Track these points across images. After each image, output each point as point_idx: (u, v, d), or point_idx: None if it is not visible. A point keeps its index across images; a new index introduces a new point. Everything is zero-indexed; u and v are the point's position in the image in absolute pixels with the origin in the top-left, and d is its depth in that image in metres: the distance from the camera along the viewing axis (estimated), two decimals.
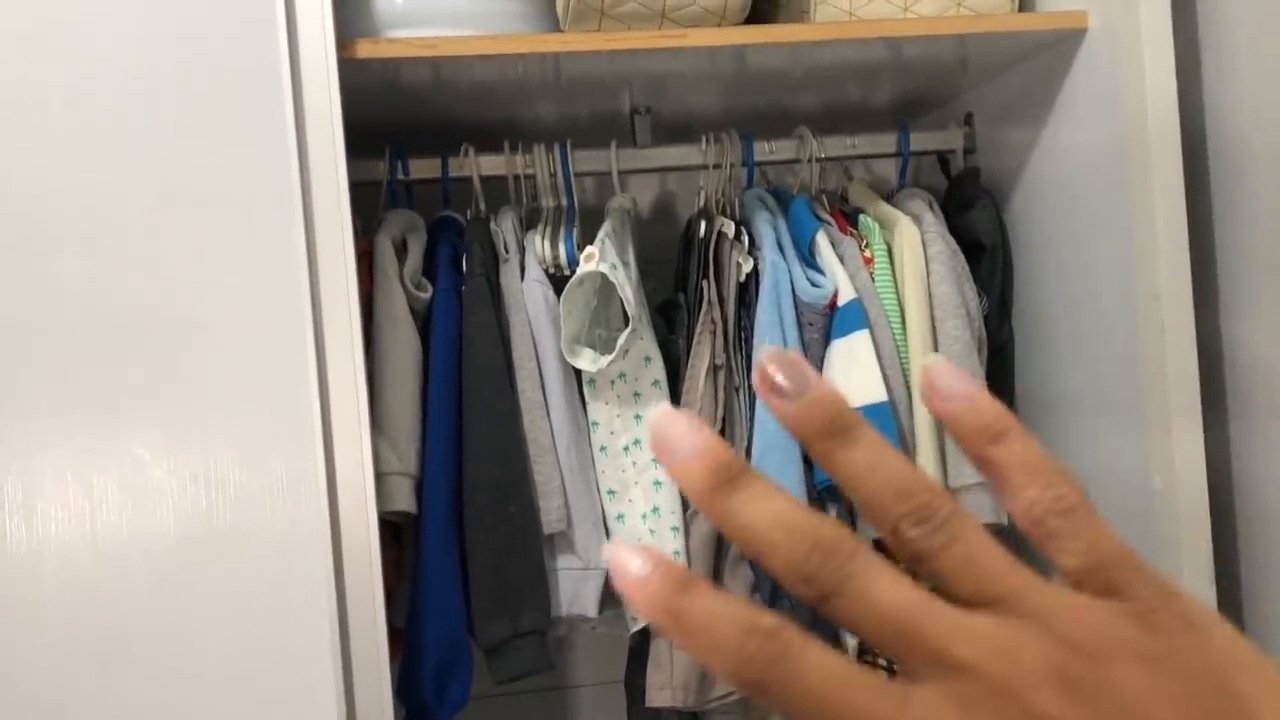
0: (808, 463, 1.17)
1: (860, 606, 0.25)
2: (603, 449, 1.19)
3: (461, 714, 1.49)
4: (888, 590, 0.25)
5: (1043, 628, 0.25)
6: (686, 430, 0.26)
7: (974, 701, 0.24)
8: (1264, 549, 1.07)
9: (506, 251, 1.21)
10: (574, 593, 1.16)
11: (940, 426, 1.18)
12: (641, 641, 1.26)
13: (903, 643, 0.25)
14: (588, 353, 1.14)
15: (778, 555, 0.25)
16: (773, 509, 0.26)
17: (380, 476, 1.04)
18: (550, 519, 1.13)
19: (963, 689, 0.24)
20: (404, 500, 1.08)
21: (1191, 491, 1.04)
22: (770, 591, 1.19)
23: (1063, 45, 1.16)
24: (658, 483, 1.18)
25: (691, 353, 1.20)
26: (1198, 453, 1.04)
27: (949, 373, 0.28)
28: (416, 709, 1.10)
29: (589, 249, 1.13)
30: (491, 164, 1.26)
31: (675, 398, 1.20)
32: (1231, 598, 1.11)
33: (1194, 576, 1.03)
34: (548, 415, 1.16)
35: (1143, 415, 1.07)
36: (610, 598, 1.21)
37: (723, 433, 1.20)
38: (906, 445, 1.16)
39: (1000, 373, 1.30)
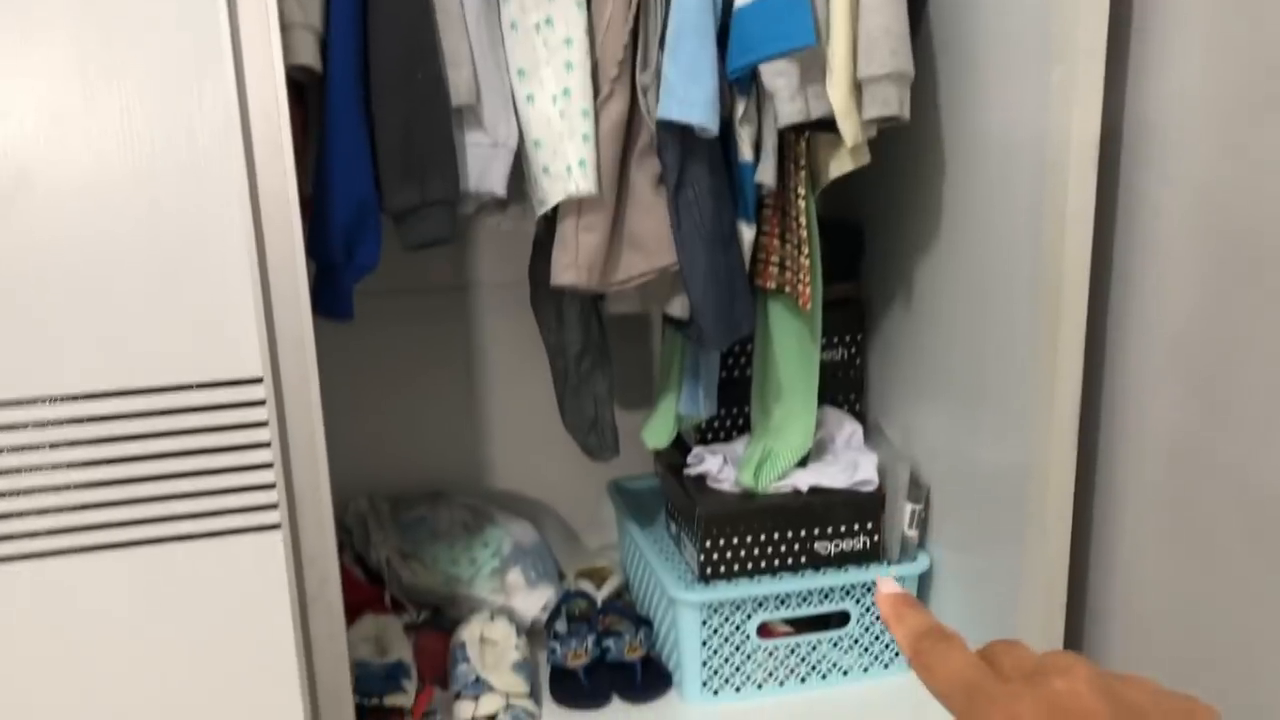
0: (721, 49, 1.17)
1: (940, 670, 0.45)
2: (513, 25, 1.16)
3: (370, 307, 1.53)
4: (957, 660, 0.45)
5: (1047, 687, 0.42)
6: (892, 588, 0.49)
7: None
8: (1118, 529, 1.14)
9: None
10: (482, 169, 1.17)
11: (855, 19, 1.17)
12: (546, 230, 1.28)
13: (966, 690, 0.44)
14: None
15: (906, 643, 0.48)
16: (915, 622, 0.48)
17: (283, 28, 1.00)
18: (459, 90, 1.12)
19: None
20: (308, 54, 1.04)
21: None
22: (676, 179, 1.21)
23: None
24: (569, 65, 1.16)
25: None
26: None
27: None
28: (325, 266, 1.12)
29: None
30: None
31: None
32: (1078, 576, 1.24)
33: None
34: None
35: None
36: (516, 183, 1.23)
37: (638, 17, 1.18)
38: (820, 34, 1.16)
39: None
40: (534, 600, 1.49)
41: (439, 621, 1.49)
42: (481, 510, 1.59)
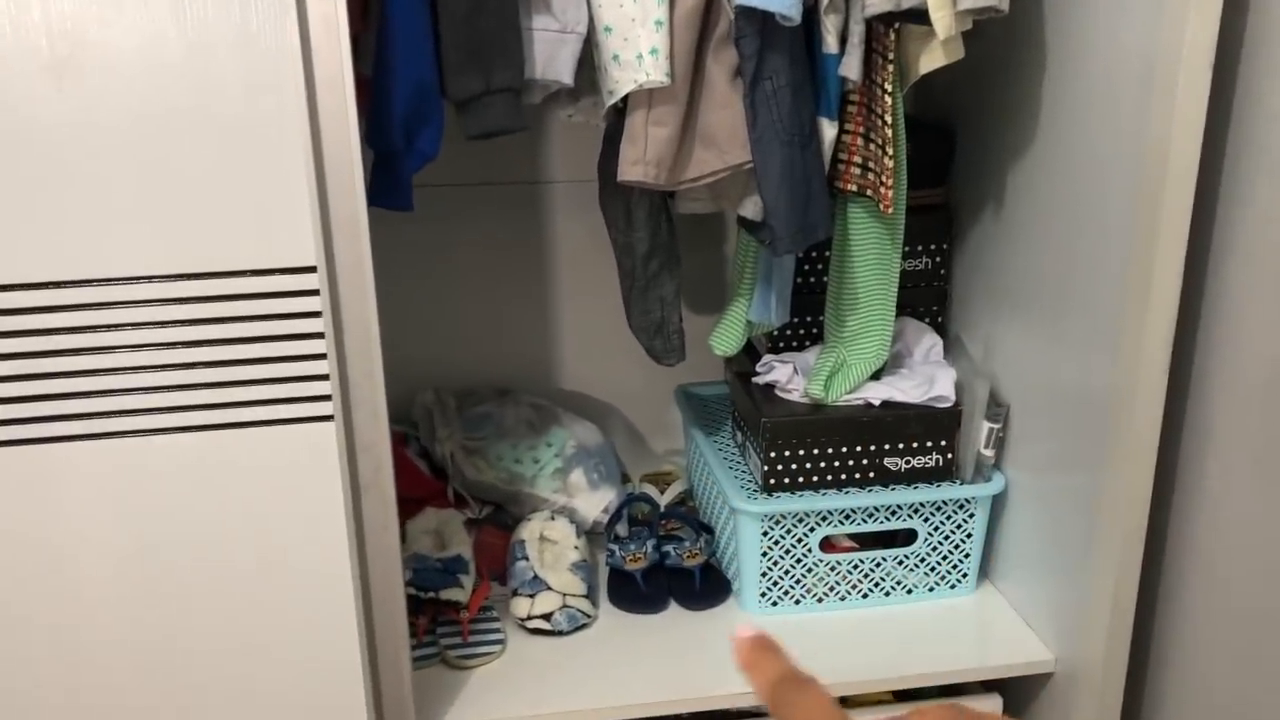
0: None
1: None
2: None
3: (443, 200, 1.51)
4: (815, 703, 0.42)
5: None
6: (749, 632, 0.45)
7: None
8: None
9: None
10: (549, 55, 1.12)
11: None
12: (616, 124, 1.23)
13: None
14: None
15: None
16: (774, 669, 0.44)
17: None
18: None
19: None
20: None
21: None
22: (753, 71, 1.14)
23: None
24: None
25: None
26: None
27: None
28: (385, 153, 1.09)
29: None
30: None
31: None
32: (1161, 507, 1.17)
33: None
34: None
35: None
36: (586, 73, 1.17)
37: None
38: None
39: None
40: (595, 502, 1.48)
41: (500, 518, 1.48)
42: (547, 410, 1.57)
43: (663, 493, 1.57)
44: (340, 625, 1.09)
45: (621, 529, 1.47)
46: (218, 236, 0.98)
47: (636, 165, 1.17)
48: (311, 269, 1.00)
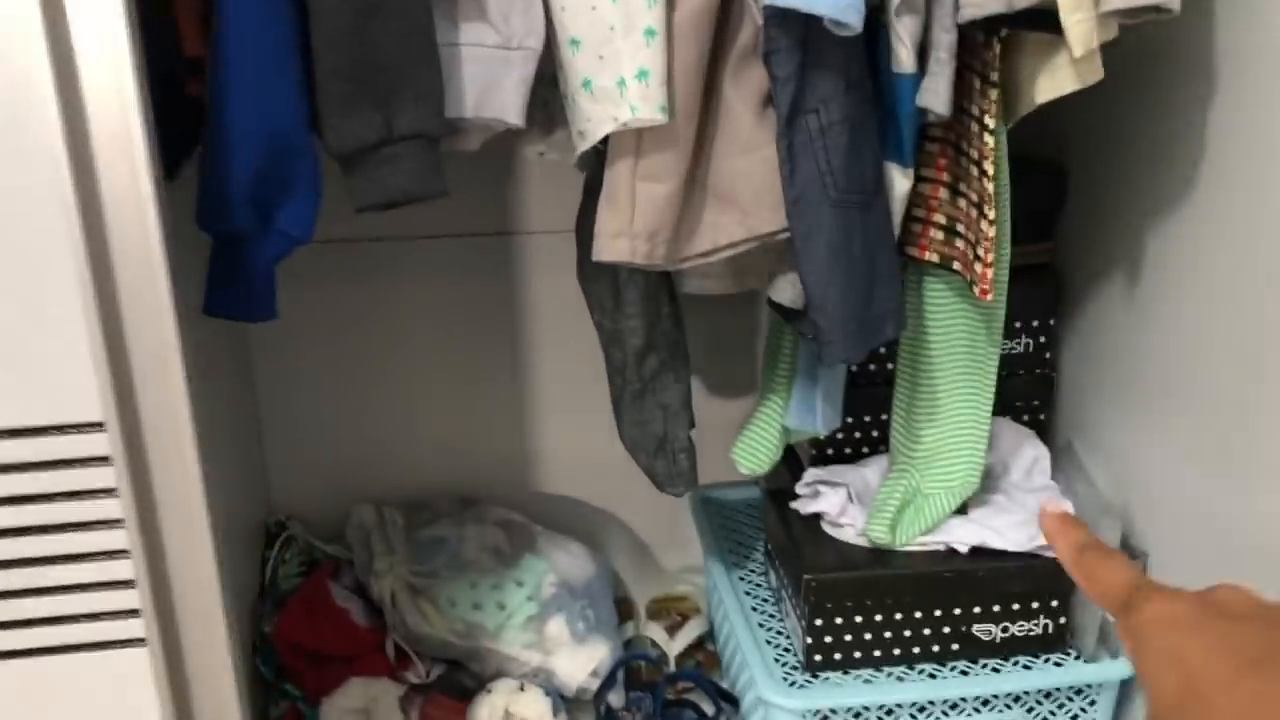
0: None
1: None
2: None
3: (370, 259, 1.17)
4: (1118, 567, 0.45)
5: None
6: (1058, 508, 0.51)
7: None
8: None
9: None
10: (485, 83, 0.75)
11: None
12: (598, 169, 0.86)
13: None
14: None
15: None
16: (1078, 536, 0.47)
17: None
18: None
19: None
20: None
21: None
22: (791, 101, 0.77)
23: None
24: None
25: None
26: None
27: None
28: (225, 238, 0.72)
29: None
30: None
31: None
32: None
33: None
34: None
35: None
36: (540, 104, 0.81)
37: None
38: None
39: None
40: (581, 662, 1.11)
41: (453, 681, 1.12)
42: (521, 529, 1.21)
43: (673, 634, 1.21)
44: None
45: (615, 698, 1.11)
46: None
47: (619, 239, 0.80)
48: (97, 426, 0.64)
